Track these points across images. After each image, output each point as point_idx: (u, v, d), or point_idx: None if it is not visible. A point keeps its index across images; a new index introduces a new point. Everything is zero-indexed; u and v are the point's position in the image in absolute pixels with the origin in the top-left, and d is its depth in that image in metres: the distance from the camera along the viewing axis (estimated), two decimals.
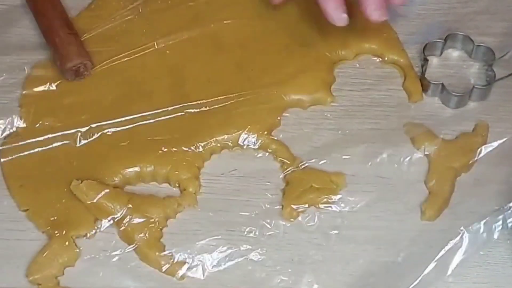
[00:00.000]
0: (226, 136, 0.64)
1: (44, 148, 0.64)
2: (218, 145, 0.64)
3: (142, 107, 0.66)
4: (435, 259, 0.59)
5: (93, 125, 0.65)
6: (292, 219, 0.61)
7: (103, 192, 0.61)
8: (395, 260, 0.60)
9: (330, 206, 0.62)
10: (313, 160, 0.64)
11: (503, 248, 0.60)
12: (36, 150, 0.64)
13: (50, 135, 0.64)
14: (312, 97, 0.67)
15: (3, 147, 0.64)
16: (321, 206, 0.62)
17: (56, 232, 0.60)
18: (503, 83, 0.67)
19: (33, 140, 0.64)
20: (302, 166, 0.63)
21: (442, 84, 0.66)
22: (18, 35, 0.71)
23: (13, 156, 0.64)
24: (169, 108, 0.66)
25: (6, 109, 0.67)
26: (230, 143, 0.64)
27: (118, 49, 0.69)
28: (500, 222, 0.60)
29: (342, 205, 0.62)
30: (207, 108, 0.66)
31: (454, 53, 0.70)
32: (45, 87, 0.67)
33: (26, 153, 0.64)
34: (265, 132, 0.65)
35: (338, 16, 0.62)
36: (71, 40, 0.67)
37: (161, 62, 0.68)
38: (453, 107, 0.67)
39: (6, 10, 0.73)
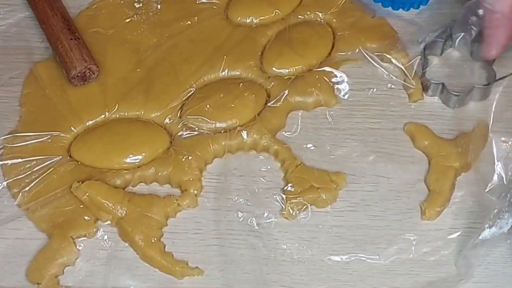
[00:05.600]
0: (229, 141, 0.64)
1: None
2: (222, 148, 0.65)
3: (139, 107, 0.66)
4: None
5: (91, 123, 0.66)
6: (292, 219, 0.61)
7: (103, 192, 0.61)
8: (396, 259, 0.60)
9: (331, 206, 0.62)
10: (313, 160, 0.64)
11: (503, 248, 0.60)
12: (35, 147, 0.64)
13: (49, 135, 0.64)
14: (317, 99, 0.67)
15: (4, 146, 0.64)
16: (322, 205, 0.62)
17: (56, 232, 0.60)
18: (503, 83, 0.67)
19: (34, 140, 0.64)
20: (302, 166, 0.63)
21: (443, 84, 0.66)
22: (19, 34, 0.71)
23: (14, 156, 0.63)
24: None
25: (6, 108, 0.67)
26: (234, 147, 0.65)
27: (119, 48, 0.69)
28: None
29: (342, 204, 0.62)
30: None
31: (454, 53, 0.70)
32: (45, 87, 0.67)
33: (26, 153, 0.64)
34: (269, 135, 0.65)
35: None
36: (73, 46, 0.67)
37: (162, 61, 0.69)
38: (453, 107, 0.67)
39: (9, 10, 0.73)
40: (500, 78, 0.67)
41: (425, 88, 0.67)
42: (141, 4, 0.72)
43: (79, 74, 0.66)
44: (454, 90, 0.66)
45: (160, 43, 0.70)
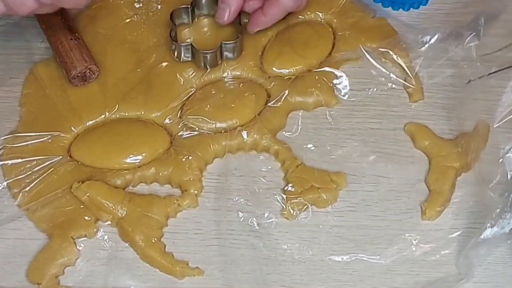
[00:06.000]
0: (229, 141, 0.64)
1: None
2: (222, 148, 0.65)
3: (139, 107, 0.66)
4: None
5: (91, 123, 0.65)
6: (293, 219, 0.61)
7: (103, 192, 0.61)
8: (396, 259, 0.60)
9: (331, 206, 0.62)
10: (313, 160, 0.64)
11: (504, 248, 0.60)
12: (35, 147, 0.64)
13: (50, 135, 0.64)
14: (317, 99, 0.67)
15: (4, 146, 0.64)
16: (322, 205, 0.62)
17: (56, 232, 0.60)
18: (504, 83, 0.67)
19: (34, 140, 0.64)
20: (303, 166, 0.63)
21: (191, 45, 0.67)
22: (20, 35, 0.71)
23: (14, 156, 0.63)
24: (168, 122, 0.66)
25: (6, 108, 0.67)
26: (234, 147, 0.65)
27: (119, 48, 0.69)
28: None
29: (343, 204, 0.62)
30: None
31: (459, 53, 0.69)
32: (45, 87, 0.67)
33: (26, 153, 0.64)
34: (270, 135, 0.65)
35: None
36: (73, 46, 0.67)
37: (162, 61, 0.69)
38: (207, 66, 0.67)
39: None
40: (498, 70, 0.66)
41: (177, 54, 0.68)
42: (141, 4, 0.72)
43: (79, 74, 0.66)
44: (203, 49, 0.66)
45: (160, 43, 0.70)
